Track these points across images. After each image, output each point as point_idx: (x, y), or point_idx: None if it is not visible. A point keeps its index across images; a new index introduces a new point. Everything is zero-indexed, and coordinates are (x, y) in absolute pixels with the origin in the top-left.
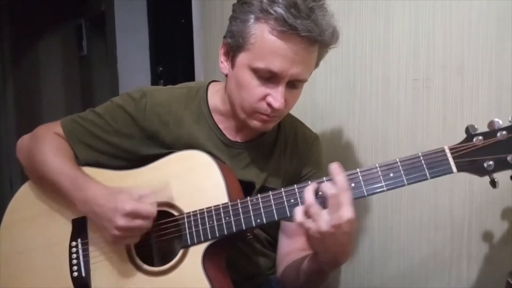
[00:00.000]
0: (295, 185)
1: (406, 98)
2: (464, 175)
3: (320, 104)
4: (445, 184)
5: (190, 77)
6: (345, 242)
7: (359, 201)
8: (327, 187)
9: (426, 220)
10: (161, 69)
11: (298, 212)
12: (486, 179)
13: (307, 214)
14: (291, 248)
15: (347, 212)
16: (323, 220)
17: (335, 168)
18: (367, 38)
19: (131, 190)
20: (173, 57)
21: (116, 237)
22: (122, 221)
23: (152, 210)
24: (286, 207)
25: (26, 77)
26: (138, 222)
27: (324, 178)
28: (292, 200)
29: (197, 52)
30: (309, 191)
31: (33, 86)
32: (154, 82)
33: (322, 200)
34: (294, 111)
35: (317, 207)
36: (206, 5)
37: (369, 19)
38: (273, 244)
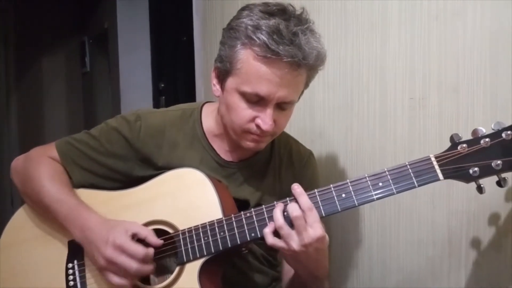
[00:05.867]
0: (287, 198)
1: (403, 117)
2: (462, 192)
3: (318, 123)
4: (442, 201)
5: (191, 93)
6: (319, 258)
7: (359, 220)
8: (293, 209)
9: (424, 237)
10: (162, 85)
11: (268, 235)
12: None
13: (279, 234)
14: None
15: (314, 231)
16: (294, 240)
17: (296, 189)
18: (364, 57)
19: (129, 225)
20: (174, 74)
21: (102, 268)
22: (109, 252)
23: (139, 250)
24: None
25: (29, 92)
26: (122, 258)
27: (288, 199)
28: (285, 213)
29: (198, 69)
30: (277, 213)
31: (36, 102)
32: (156, 98)
33: (290, 220)
34: (293, 130)
35: (287, 228)
36: (207, 24)
37: (366, 39)
38: (269, 261)
